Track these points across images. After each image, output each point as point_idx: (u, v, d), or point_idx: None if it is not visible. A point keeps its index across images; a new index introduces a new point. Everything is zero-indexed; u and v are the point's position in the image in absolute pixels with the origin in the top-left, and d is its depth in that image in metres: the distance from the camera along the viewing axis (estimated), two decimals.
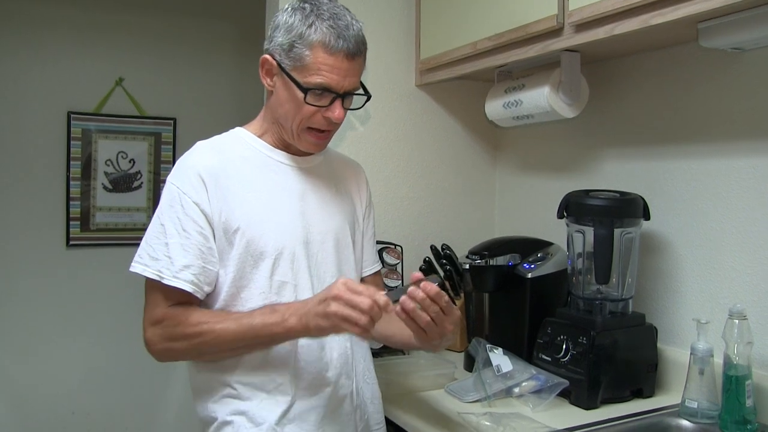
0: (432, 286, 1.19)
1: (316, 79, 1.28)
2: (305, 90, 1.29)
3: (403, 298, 1.19)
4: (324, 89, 1.29)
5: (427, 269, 2.10)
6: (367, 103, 1.45)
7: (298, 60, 1.28)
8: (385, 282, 2.01)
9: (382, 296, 1.14)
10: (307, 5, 1.31)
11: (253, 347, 1.29)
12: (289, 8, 1.33)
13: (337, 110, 1.32)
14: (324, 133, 1.37)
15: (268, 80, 1.37)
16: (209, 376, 1.35)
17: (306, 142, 1.37)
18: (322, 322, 1.17)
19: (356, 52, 1.30)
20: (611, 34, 1.48)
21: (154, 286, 1.30)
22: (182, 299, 1.29)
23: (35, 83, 3.23)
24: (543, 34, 1.66)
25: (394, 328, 1.43)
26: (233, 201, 1.31)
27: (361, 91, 1.39)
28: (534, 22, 1.66)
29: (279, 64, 1.32)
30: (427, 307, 1.19)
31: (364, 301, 1.13)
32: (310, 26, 1.27)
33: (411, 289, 1.19)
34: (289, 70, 1.30)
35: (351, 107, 1.40)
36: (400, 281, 2.10)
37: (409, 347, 1.53)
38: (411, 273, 1.24)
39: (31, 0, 3.19)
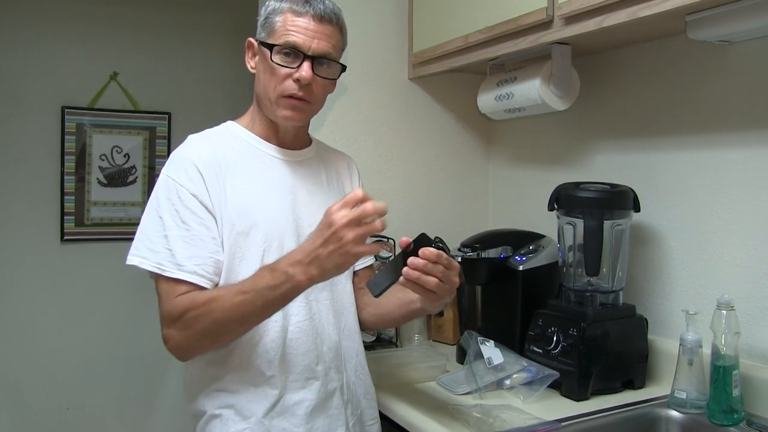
0: (430, 251, 1.19)
1: (282, 39, 1.32)
2: (271, 47, 1.32)
3: (405, 269, 1.19)
4: (291, 47, 1.32)
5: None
6: (348, 82, 1.47)
7: (270, 27, 1.35)
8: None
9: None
10: None
11: (263, 312, 1.24)
12: None
13: (304, 70, 1.32)
14: (299, 102, 1.36)
15: (252, 63, 1.42)
16: (199, 371, 1.35)
17: (283, 110, 1.36)
18: (339, 260, 1.15)
19: (324, 15, 1.34)
20: (600, 26, 1.48)
21: (161, 284, 1.27)
22: (191, 292, 1.26)
23: (29, 78, 3.22)
24: (533, 26, 1.67)
25: (388, 303, 1.47)
26: (226, 192, 1.32)
27: (336, 74, 1.41)
28: (524, 15, 1.67)
29: (257, 41, 1.38)
30: (432, 270, 1.19)
31: (368, 208, 1.13)
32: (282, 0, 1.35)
33: (411, 259, 1.19)
34: (263, 39, 1.36)
35: (326, 77, 1.39)
36: None
37: (412, 316, 1.51)
38: (400, 239, 1.24)
39: None
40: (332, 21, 1.36)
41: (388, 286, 1.21)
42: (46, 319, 3.27)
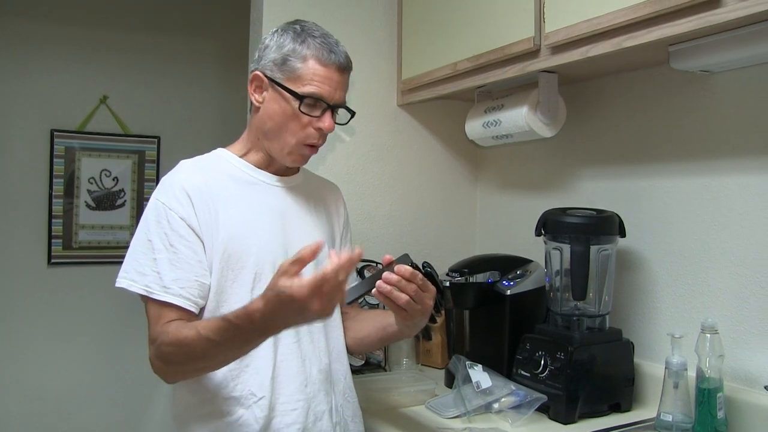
0: (406, 268, 1.23)
1: (309, 89, 1.34)
2: (301, 98, 1.33)
3: (379, 282, 1.23)
4: (317, 99, 1.34)
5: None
6: (352, 120, 1.50)
7: (291, 72, 1.34)
8: (366, 300, 2.03)
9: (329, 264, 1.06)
10: (297, 26, 1.38)
11: (237, 356, 1.24)
12: (279, 29, 1.40)
13: (327, 121, 1.37)
14: (314, 149, 1.42)
15: (257, 96, 1.41)
16: (189, 395, 1.35)
17: (297, 156, 1.41)
18: (303, 322, 1.13)
19: (346, 66, 1.38)
20: (586, 56, 1.52)
21: (150, 307, 1.29)
22: (178, 315, 1.27)
23: (19, 100, 3.24)
24: (521, 55, 1.70)
25: (366, 327, 1.51)
26: (217, 217, 1.33)
27: (346, 114, 1.46)
28: (512, 44, 1.70)
29: (271, 79, 1.37)
30: (404, 287, 1.23)
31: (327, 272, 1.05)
32: (302, 42, 1.35)
33: (385, 274, 1.23)
34: (283, 82, 1.35)
35: (338, 123, 1.44)
36: None
37: (389, 340, 1.54)
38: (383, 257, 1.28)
39: (14, 17, 3.21)
40: (349, 70, 1.41)
41: (361, 296, 1.28)
42: (33, 343, 3.24)
